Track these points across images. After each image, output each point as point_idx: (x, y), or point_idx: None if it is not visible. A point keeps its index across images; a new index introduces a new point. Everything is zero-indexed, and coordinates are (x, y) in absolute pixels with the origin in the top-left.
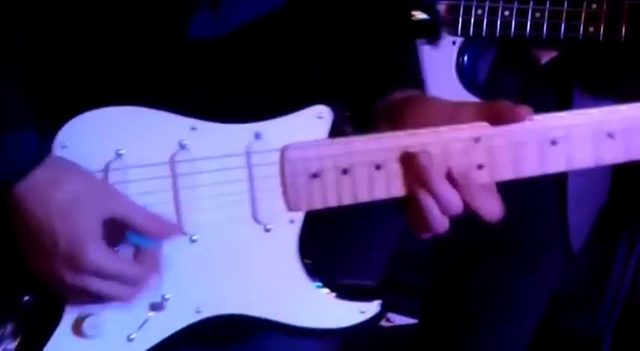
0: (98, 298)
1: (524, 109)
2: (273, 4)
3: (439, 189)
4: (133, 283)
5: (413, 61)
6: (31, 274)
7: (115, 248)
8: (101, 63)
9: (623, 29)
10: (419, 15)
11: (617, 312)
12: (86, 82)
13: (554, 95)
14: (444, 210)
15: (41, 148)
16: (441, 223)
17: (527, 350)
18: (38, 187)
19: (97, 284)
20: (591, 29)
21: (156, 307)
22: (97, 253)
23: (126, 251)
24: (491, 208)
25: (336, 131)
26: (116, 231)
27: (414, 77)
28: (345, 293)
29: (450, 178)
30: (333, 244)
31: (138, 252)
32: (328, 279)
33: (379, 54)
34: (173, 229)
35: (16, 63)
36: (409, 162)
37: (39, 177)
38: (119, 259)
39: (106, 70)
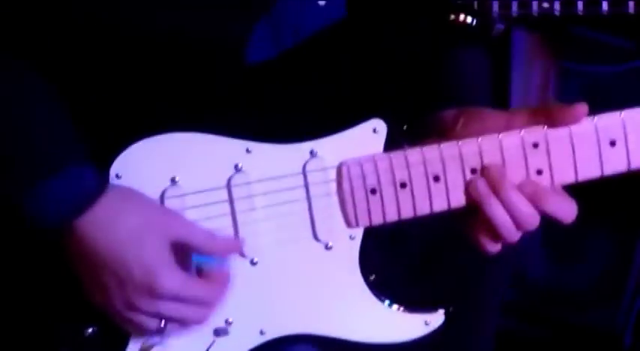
0: (170, 325)
1: (580, 109)
2: (331, 19)
3: (511, 199)
4: (207, 305)
5: (470, 71)
6: (93, 308)
7: None
8: (153, 89)
9: None
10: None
11: (638, 307)
12: (138, 109)
13: None
14: (517, 221)
15: (100, 181)
16: (512, 233)
17: (543, 346)
18: (102, 220)
19: (174, 309)
20: None
21: (220, 331)
22: (173, 278)
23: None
24: (566, 209)
25: (391, 145)
26: (181, 255)
27: (468, 90)
28: (409, 306)
29: (527, 195)
30: (392, 257)
31: (204, 274)
32: (391, 292)
33: (435, 67)
34: (235, 245)
35: (66, 95)
36: (474, 173)
37: (101, 209)
38: (194, 282)
39: (156, 97)
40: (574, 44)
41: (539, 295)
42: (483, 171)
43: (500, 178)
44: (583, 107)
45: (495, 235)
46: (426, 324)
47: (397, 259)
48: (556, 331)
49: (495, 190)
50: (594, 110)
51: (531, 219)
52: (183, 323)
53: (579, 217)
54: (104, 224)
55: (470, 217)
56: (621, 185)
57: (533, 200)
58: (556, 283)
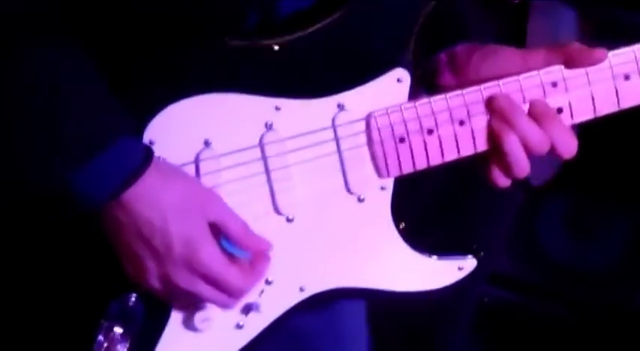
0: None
1: (600, 53)
2: None
3: (522, 125)
4: (237, 292)
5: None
6: (132, 281)
7: None
8: (177, 54)
9: None
10: None
11: None
12: (165, 74)
13: None
14: (527, 147)
15: (147, 153)
16: (522, 164)
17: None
18: (147, 193)
19: (202, 288)
20: None
21: (261, 292)
22: (210, 255)
23: None
24: (571, 145)
25: (411, 93)
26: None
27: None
28: (443, 253)
29: (532, 116)
30: (424, 205)
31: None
32: (421, 240)
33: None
34: (265, 245)
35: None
36: (491, 109)
37: (147, 182)
38: (227, 266)
39: (181, 61)
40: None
41: (562, 276)
42: (497, 102)
43: (511, 106)
44: (602, 52)
45: (507, 167)
46: (460, 269)
47: (420, 206)
48: (580, 311)
49: (507, 118)
50: None
51: (543, 144)
52: (209, 304)
53: (599, 197)
54: (149, 197)
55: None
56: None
57: (541, 121)
58: (579, 263)
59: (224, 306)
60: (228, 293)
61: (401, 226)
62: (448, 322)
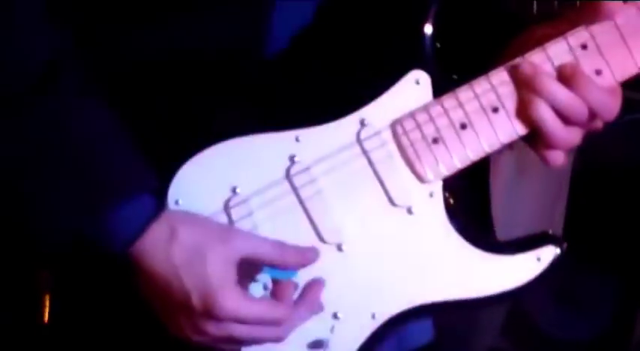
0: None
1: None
2: None
3: (549, 88)
4: (277, 324)
5: None
6: (173, 333)
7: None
8: (189, 107)
9: None
10: None
11: None
12: (179, 130)
13: None
14: (564, 116)
15: (158, 207)
16: (564, 134)
17: None
18: (157, 244)
19: (239, 330)
20: None
21: (332, 328)
22: (231, 300)
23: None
24: (611, 107)
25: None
26: (251, 271)
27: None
28: (513, 247)
29: (562, 80)
30: (481, 203)
31: (276, 288)
32: (491, 239)
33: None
34: (309, 253)
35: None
36: (517, 82)
37: (155, 234)
38: (256, 302)
39: (195, 114)
40: None
41: (548, 348)
42: (521, 72)
43: (535, 73)
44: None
45: (547, 141)
46: (539, 260)
47: (479, 204)
48: None
49: (534, 87)
50: None
51: (576, 107)
52: (260, 342)
53: (585, 266)
54: (160, 248)
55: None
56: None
57: (572, 85)
58: (564, 333)
59: (275, 338)
60: (269, 324)
61: (462, 228)
62: None
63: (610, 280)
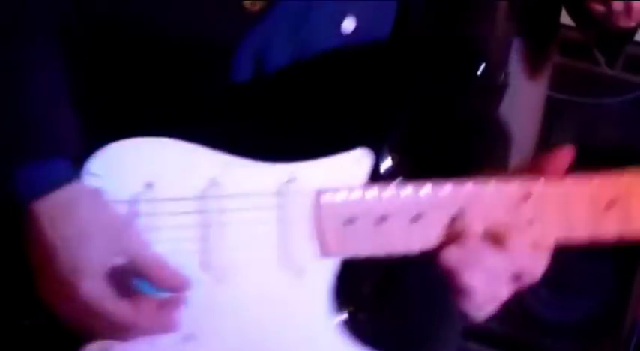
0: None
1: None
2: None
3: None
4: (125, 330)
5: None
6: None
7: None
8: (141, 91)
9: None
10: None
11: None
12: (123, 110)
13: None
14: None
15: (72, 173)
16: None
17: None
18: (54, 210)
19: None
20: None
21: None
22: (92, 290)
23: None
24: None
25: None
26: (122, 274)
27: None
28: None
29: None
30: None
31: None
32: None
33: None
34: (183, 284)
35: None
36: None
37: (57, 199)
38: (114, 302)
39: (144, 100)
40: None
41: (537, 329)
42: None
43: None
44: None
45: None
46: None
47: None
48: None
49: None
50: None
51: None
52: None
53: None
54: (54, 214)
55: None
56: None
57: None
58: (555, 316)
59: (121, 338)
60: (117, 325)
61: (340, 315)
62: None
63: (602, 262)
